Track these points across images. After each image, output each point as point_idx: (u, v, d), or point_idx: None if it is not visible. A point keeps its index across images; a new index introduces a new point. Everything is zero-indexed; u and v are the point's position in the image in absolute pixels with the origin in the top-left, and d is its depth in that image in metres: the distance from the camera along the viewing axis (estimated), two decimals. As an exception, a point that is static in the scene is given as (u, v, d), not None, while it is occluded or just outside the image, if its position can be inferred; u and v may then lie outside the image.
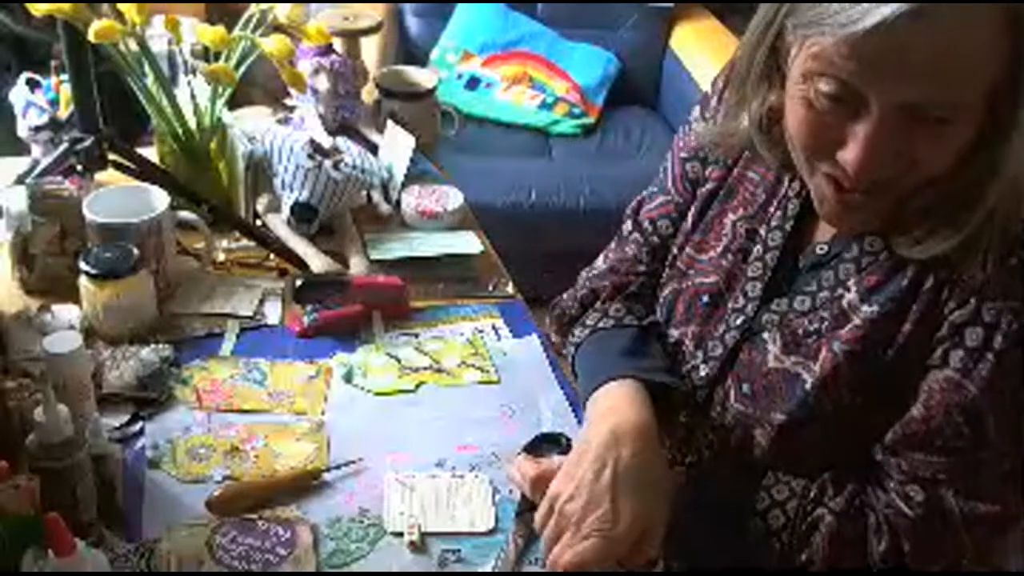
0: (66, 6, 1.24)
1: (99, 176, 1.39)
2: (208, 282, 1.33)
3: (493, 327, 1.30)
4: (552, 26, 3.08)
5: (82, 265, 1.16)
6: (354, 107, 1.64)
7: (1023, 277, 0.83)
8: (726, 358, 1.00)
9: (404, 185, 1.51)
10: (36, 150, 1.55)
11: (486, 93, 2.97)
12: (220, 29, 1.33)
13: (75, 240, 1.26)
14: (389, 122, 1.59)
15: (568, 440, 1.06)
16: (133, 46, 1.35)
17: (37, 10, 1.25)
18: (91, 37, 1.23)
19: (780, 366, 0.95)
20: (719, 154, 1.03)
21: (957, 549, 0.87)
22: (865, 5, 0.72)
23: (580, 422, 1.14)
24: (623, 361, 1.01)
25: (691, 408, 1.04)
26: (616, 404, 0.95)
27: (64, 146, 1.34)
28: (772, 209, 1.00)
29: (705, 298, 1.03)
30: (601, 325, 1.08)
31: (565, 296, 1.17)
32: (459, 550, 0.97)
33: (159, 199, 1.27)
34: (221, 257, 1.38)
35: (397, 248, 1.42)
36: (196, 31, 1.37)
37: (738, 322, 0.99)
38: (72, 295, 1.20)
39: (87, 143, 1.33)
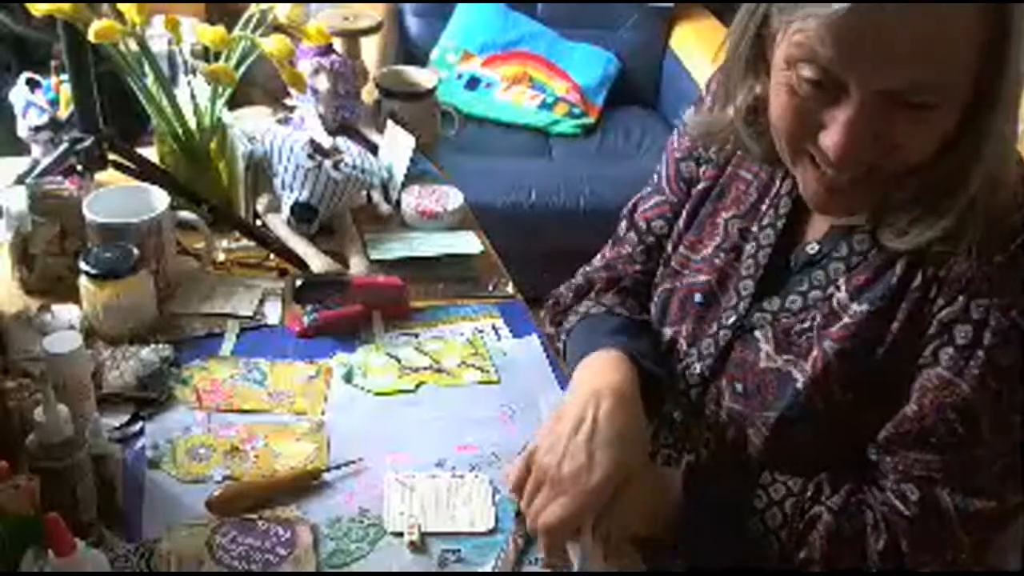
0: (66, 6, 1.24)
1: (99, 176, 1.39)
2: (208, 282, 1.33)
3: (493, 327, 1.30)
4: (552, 26, 3.08)
5: (82, 265, 1.16)
6: (354, 107, 1.64)
7: (1011, 273, 0.84)
8: (719, 356, 1.00)
9: (404, 185, 1.51)
10: (36, 150, 1.55)
11: (486, 93, 2.97)
12: (220, 29, 1.33)
13: (75, 240, 1.26)
14: (389, 122, 1.59)
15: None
16: (133, 46, 1.35)
17: (37, 10, 1.25)
18: (91, 37, 1.23)
19: (772, 365, 0.95)
20: (708, 143, 1.04)
21: (954, 547, 0.88)
22: None
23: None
24: (612, 339, 1.01)
25: (680, 404, 1.05)
26: (599, 368, 0.96)
27: (64, 146, 1.34)
28: (764, 208, 1.00)
29: (698, 297, 1.03)
30: (593, 311, 1.09)
31: (561, 287, 1.18)
32: (459, 550, 0.97)
33: (159, 199, 1.27)
34: (221, 257, 1.38)
35: (397, 248, 1.42)
36: (196, 31, 1.37)
37: (731, 321, 1.00)
38: (72, 295, 1.20)
39: (87, 143, 1.33)
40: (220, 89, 1.40)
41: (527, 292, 1.39)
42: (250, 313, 1.27)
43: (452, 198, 1.50)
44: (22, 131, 1.55)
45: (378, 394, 1.16)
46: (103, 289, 1.16)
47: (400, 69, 1.78)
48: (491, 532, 0.99)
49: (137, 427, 1.08)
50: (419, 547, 0.96)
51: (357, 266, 1.36)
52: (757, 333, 0.97)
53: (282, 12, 1.37)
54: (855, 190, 0.85)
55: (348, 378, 1.18)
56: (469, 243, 1.45)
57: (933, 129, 0.80)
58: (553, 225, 2.61)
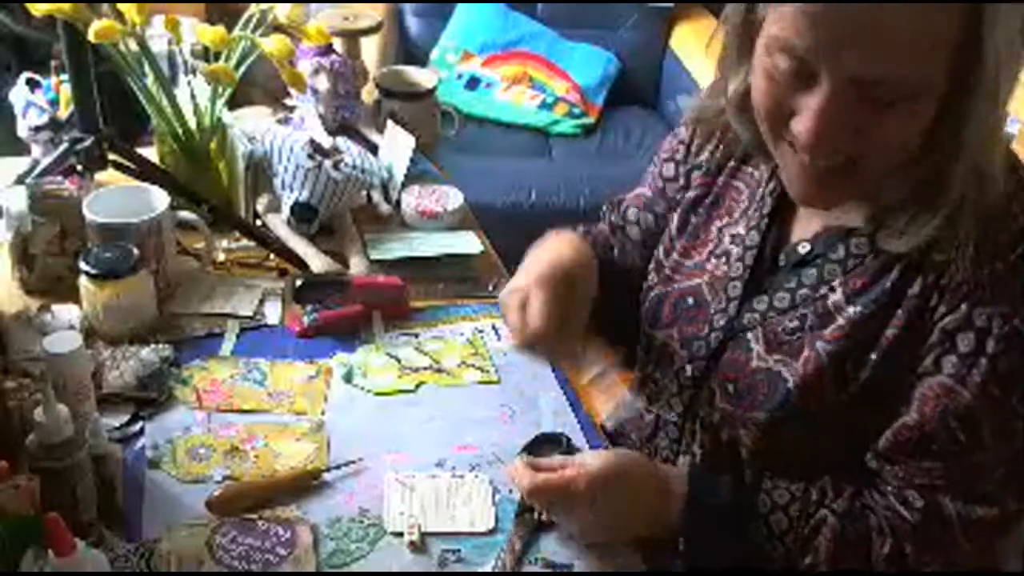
0: (66, 6, 1.24)
1: (99, 176, 1.39)
2: (208, 282, 1.33)
3: (493, 327, 1.30)
4: (552, 26, 3.08)
5: (82, 265, 1.16)
6: (354, 107, 1.64)
7: (1013, 281, 0.84)
8: (711, 358, 1.01)
9: (404, 185, 1.51)
10: (36, 150, 1.55)
11: (486, 93, 2.97)
12: (220, 29, 1.33)
13: (75, 240, 1.26)
14: (389, 122, 1.59)
15: (568, 440, 1.07)
16: (133, 46, 1.35)
17: (37, 10, 1.25)
18: (91, 37, 1.23)
19: (763, 365, 0.96)
20: (701, 127, 1.06)
21: (957, 553, 0.88)
22: None
23: (580, 422, 1.14)
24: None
25: (674, 406, 1.06)
26: (556, 240, 1.10)
27: (64, 146, 1.34)
28: (752, 211, 1.02)
29: (690, 300, 1.05)
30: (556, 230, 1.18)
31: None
32: (459, 550, 0.97)
33: (159, 199, 1.27)
34: (221, 257, 1.38)
35: (397, 248, 1.42)
36: (196, 31, 1.37)
37: (721, 323, 1.01)
38: (72, 295, 1.20)
39: (87, 143, 1.33)
40: (220, 89, 1.40)
41: (527, 292, 1.38)
42: (250, 313, 1.27)
43: (452, 198, 1.50)
44: (22, 131, 1.55)
45: (378, 394, 1.16)
46: (103, 289, 1.16)
47: (400, 69, 1.78)
48: (491, 532, 0.99)
49: (137, 427, 1.08)
50: (419, 547, 0.96)
51: (357, 266, 1.36)
52: (748, 334, 0.98)
53: (282, 12, 1.37)
54: (834, 181, 0.85)
55: (348, 378, 1.18)
56: (469, 243, 1.45)
57: (908, 125, 0.80)
58: (553, 225, 2.60)
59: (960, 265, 0.85)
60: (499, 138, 2.88)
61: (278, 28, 1.38)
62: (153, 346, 1.16)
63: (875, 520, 0.89)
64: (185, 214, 1.31)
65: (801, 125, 0.81)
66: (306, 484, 1.02)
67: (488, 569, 0.95)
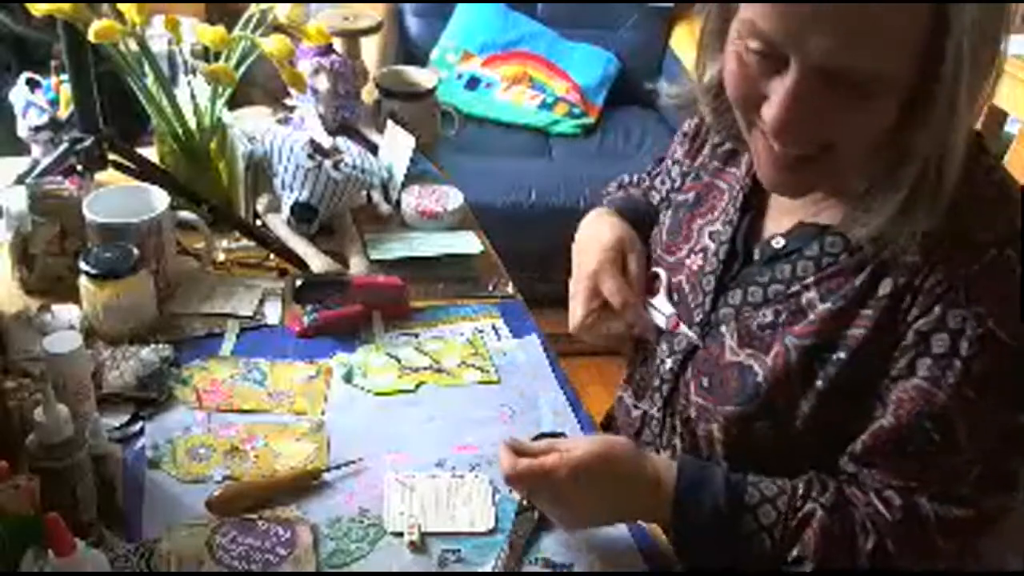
0: (66, 6, 1.24)
1: (99, 176, 1.39)
2: (208, 282, 1.33)
3: (493, 327, 1.30)
4: (552, 26, 3.08)
5: (82, 265, 1.16)
6: (354, 107, 1.64)
7: (987, 283, 0.84)
8: (688, 352, 1.02)
9: (404, 185, 1.51)
10: (36, 150, 1.55)
11: (486, 93, 2.97)
12: (220, 29, 1.33)
13: (75, 240, 1.26)
14: (389, 122, 1.59)
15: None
16: (133, 46, 1.35)
17: (37, 10, 1.25)
18: (91, 37, 1.23)
19: (735, 359, 0.97)
20: (684, 107, 1.08)
21: (935, 553, 0.88)
22: None
23: (580, 422, 1.15)
24: (608, 204, 1.22)
25: (655, 401, 1.07)
26: (586, 220, 1.18)
27: (64, 146, 1.34)
28: (728, 206, 1.04)
29: (673, 296, 1.06)
30: (615, 194, 1.28)
31: (612, 182, 1.34)
32: (459, 550, 0.97)
33: (159, 199, 1.27)
34: (221, 257, 1.38)
35: (397, 248, 1.42)
36: (196, 31, 1.37)
37: (698, 317, 1.02)
38: (72, 295, 1.20)
39: (87, 143, 1.33)
40: (220, 89, 1.40)
41: (527, 292, 1.39)
42: (250, 313, 1.27)
43: (452, 198, 1.50)
44: (22, 131, 1.55)
45: (378, 394, 1.16)
46: (103, 289, 1.16)
47: (400, 69, 1.78)
48: (491, 532, 0.99)
49: (137, 427, 1.08)
50: (419, 547, 0.96)
51: (357, 266, 1.36)
52: (722, 328, 0.99)
53: (282, 12, 1.37)
54: (802, 169, 0.86)
55: (348, 378, 1.18)
56: (469, 243, 1.45)
57: (872, 116, 0.80)
58: (553, 225, 2.60)
59: (934, 267, 0.85)
60: (499, 138, 2.88)
61: (278, 28, 1.38)
62: (153, 346, 1.16)
63: (858, 516, 0.89)
64: (185, 214, 1.31)
65: (769, 111, 0.82)
66: (306, 484, 1.02)
67: (488, 569, 0.95)
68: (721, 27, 0.89)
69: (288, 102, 1.67)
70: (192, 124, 1.43)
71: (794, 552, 0.88)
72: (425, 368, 1.21)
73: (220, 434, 1.08)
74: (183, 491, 1.01)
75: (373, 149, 1.57)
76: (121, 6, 1.28)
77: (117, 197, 1.27)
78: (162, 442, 1.06)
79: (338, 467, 1.04)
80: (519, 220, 2.57)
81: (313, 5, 2.08)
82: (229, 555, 0.93)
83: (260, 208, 1.43)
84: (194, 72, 1.45)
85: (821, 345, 0.91)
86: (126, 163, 1.36)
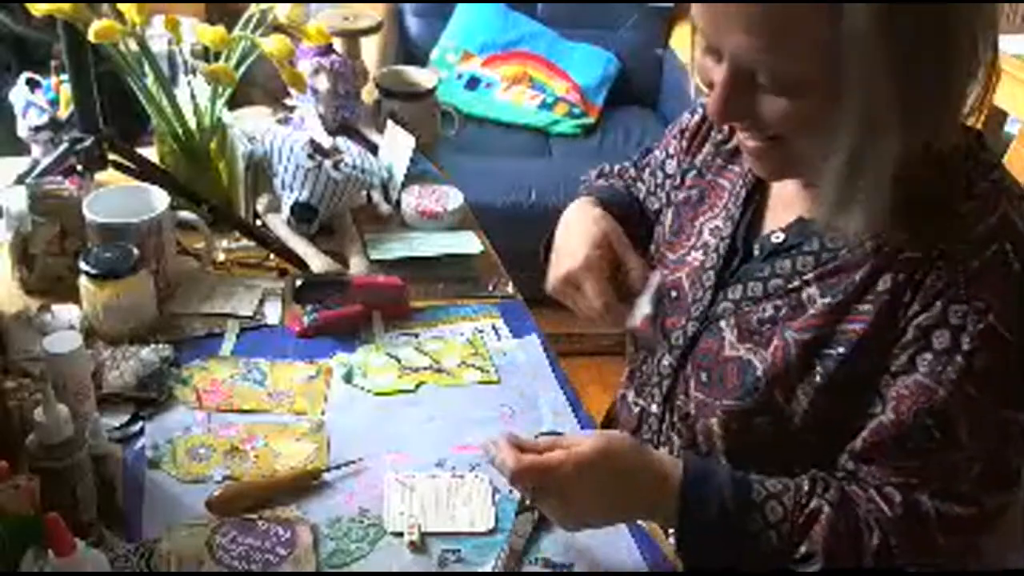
0: (66, 6, 1.24)
1: (99, 176, 1.39)
2: (208, 282, 1.33)
3: (493, 327, 1.30)
4: (552, 26, 3.08)
5: (82, 265, 1.16)
6: (354, 107, 1.64)
7: (988, 278, 0.84)
8: (687, 347, 1.03)
9: (404, 185, 1.51)
10: (36, 150, 1.55)
11: (486, 93, 2.97)
12: (220, 29, 1.33)
13: (75, 240, 1.26)
14: (389, 122, 1.60)
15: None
16: (133, 46, 1.35)
17: (37, 10, 1.25)
18: (91, 37, 1.23)
19: (735, 354, 0.97)
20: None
21: (936, 550, 0.87)
22: None
23: (580, 422, 1.15)
24: (591, 193, 1.22)
25: (654, 396, 1.07)
26: (569, 209, 1.18)
27: (64, 146, 1.34)
28: (730, 203, 1.04)
29: (673, 293, 1.07)
30: (596, 184, 1.31)
31: (591, 170, 1.38)
32: (459, 550, 0.97)
33: (159, 199, 1.27)
34: (221, 257, 1.38)
35: (397, 248, 1.42)
36: (196, 31, 1.37)
37: (697, 312, 1.03)
38: (72, 295, 1.20)
39: (87, 143, 1.33)
40: (220, 89, 1.40)
41: (527, 292, 1.39)
42: (250, 313, 1.28)
43: (452, 198, 1.50)
44: (22, 131, 1.55)
45: (378, 394, 1.16)
46: (103, 289, 1.16)
47: (400, 69, 1.78)
48: (491, 532, 0.99)
49: (137, 427, 1.08)
50: (419, 547, 0.96)
51: (357, 266, 1.36)
52: (722, 322, 0.99)
53: (282, 12, 1.37)
54: (765, 157, 0.90)
55: (348, 378, 1.18)
56: (469, 243, 1.45)
57: (799, 111, 0.82)
58: (553, 225, 2.60)
59: (935, 263, 0.85)
60: (499, 138, 2.88)
61: (278, 28, 1.38)
62: (153, 346, 1.16)
63: (861, 513, 0.89)
64: (185, 214, 1.31)
65: (708, 99, 0.86)
66: (306, 484, 1.02)
67: (488, 569, 0.95)
68: None
69: (288, 102, 1.67)
70: (192, 124, 1.43)
71: (802, 550, 0.88)
72: (425, 368, 1.21)
73: (220, 434, 1.08)
74: (183, 491, 1.01)
75: (373, 149, 1.57)
76: (121, 6, 1.28)
77: (117, 197, 1.27)
78: (162, 442, 1.06)
79: (338, 467, 1.04)
80: (519, 220, 2.56)
81: (313, 5, 2.08)
82: (229, 555, 0.94)
83: (260, 208, 1.43)
84: (194, 72, 1.45)
85: (821, 340, 0.91)
86: (126, 163, 1.35)
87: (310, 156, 1.38)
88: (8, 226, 1.25)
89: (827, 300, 0.91)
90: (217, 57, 1.38)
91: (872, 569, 0.88)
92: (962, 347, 0.84)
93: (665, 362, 1.05)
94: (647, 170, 1.24)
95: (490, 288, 1.38)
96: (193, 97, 1.42)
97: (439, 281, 1.38)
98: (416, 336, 1.27)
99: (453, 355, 1.23)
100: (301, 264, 1.36)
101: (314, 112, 1.61)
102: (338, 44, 1.74)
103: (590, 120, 2.97)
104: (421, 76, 1.75)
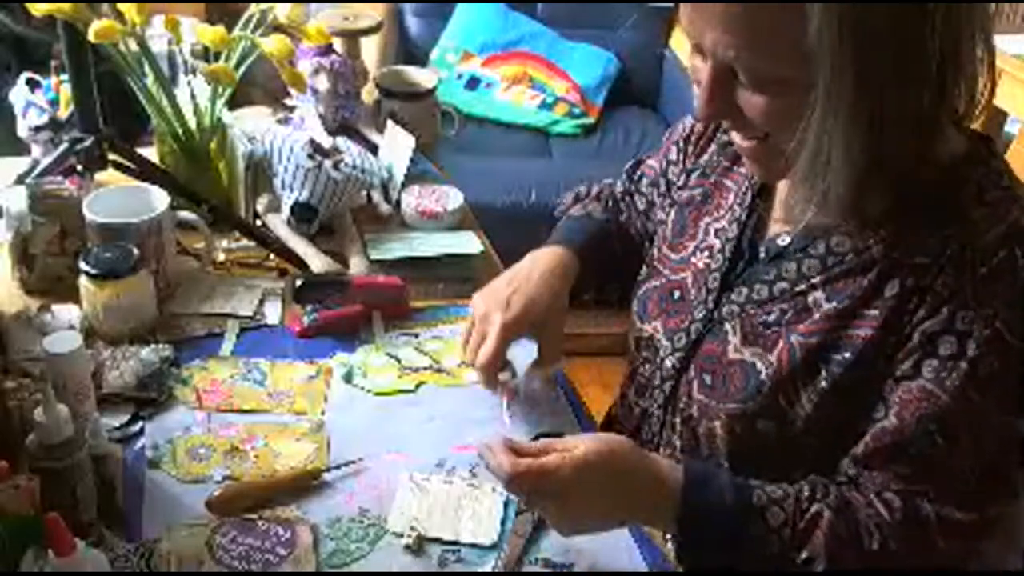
0: (66, 6, 1.24)
1: (99, 176, 1.39)
2: (208, 282, 1.33)
3: (493, 327, 1.30)
4: (552, 26, 3.08)
5: (82, 265, 1.16)
6: (354, 107, 1.64)
7: (995, 285, 0.84)
8: (690, 349, 1.02)
9: (404, 185, 1.51)
10: (36, 150, 1.55)
11: (486, 93, 2.97)
12: (220, 29, 1.33)
13: (75, 240, 1.26)
14: (389, 122, 1.60)
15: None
16: (133, 46, 1.35)
17: (37, 10, 1.25)
18: (91, 37, 1.23)
19: (739, 357, 0.97)
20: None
21: (936, 555, 0.87)
22: None
23: (580, 422, 1.14)
24: (568, 235, 1.20)
25: (656, 398, 1.07)
26: (543, 253, 1.16)
27: (64, 146, 1.34)
28: (735, 204, 1.04)
29: (676, 293, 1.07)
30: (574, 213, 1.27)
31: (568, 194, 1.35)
32: (459, 550, 0.97)
33: (159, 199, 1.27)
34: (221, 257, 1.38)
35: (397, 248, 1.42)
36: (196, 31, 1.37)
37: (701, 315, 1.02)
38: (72, 295, 1.20)
39: (87, 143, 1.33)
40: (220, 89, 1.40)
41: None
42: (250, 313, 1.27)
43: (452, 198, 1.50)
44: (22, 131, 1.55)
45: (378, 394, 1.16)
46: (103, 289, 1.16)
47: (400, 69, 1.78)
48: (492, 547, 0.97)
49: (137, 427, 1.08)
50: (416, 549, 0.96)
51: (357, 266, 1.36)
52: (726, 325, 0.99)
53: (282, 12, 1.37)
54: (761, 156, 0.90)
55: (348, 378, 1.18)
56: (469, 243, 1.45)
57: (782, 109, 0.82)
58: (553, 225, 2.61)
59: (943, 269, 0.85)
60: (499, 138, 2.88)
61: (278, 28, 1.38)
62: (153, 346, 1.16)
63: (862, 517, 0.89)
64: (185, 214, 1.31)
65: (696, 97, 0.87)
66: (306, 484, 1.02)
67: (488, 569, 0.95)
68: None
69: (288, 102, 1.67)
70: (192, 124, 1.43)
71: (803, 555, 0.88)
72: (425, 368, 1.21)
73: (220, 434, 1.08)
74: (183, 491, 1.01)
75: (373, 149, 1.57)
76: (121, 6, 1.28)
77: (117, 197, 1.27)
78: (162, 442, 1.06)
79: (338, 467, 1.04)
80: (519, 220, 2.56)
81: (313, 5, 2.08)
82: (229, 555, 0.94)
83: (260, 208, 1.43)
84: (194, 72, 1.45)
85: (826, 345, 0.90)
86: (126, 163, 1.35)
87: (310, 156, 1.38)
88: (8, 226, 1.25)
89: (833, 305, 0.91)
90: (217, 57, 1.38)
91: (873, 572, 0.88)
92: (967, 353, 0.84)
93: (667, 364, 1.05)
94: (644, 180, 1.23)
95: (490, 288, 1.38)
96: (193, 97, 1.42)
97: (439, 281, 1.38)
98: (416, 336, 1.27)
99: (453, 355, 1.23)
100: (301, 264, 1.36)
101: (314, 112, 1.61)
102: (338, 44, 1.74)
103: (590, 120, 2.97)
104: (421, 76, 1.75)
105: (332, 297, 1.28)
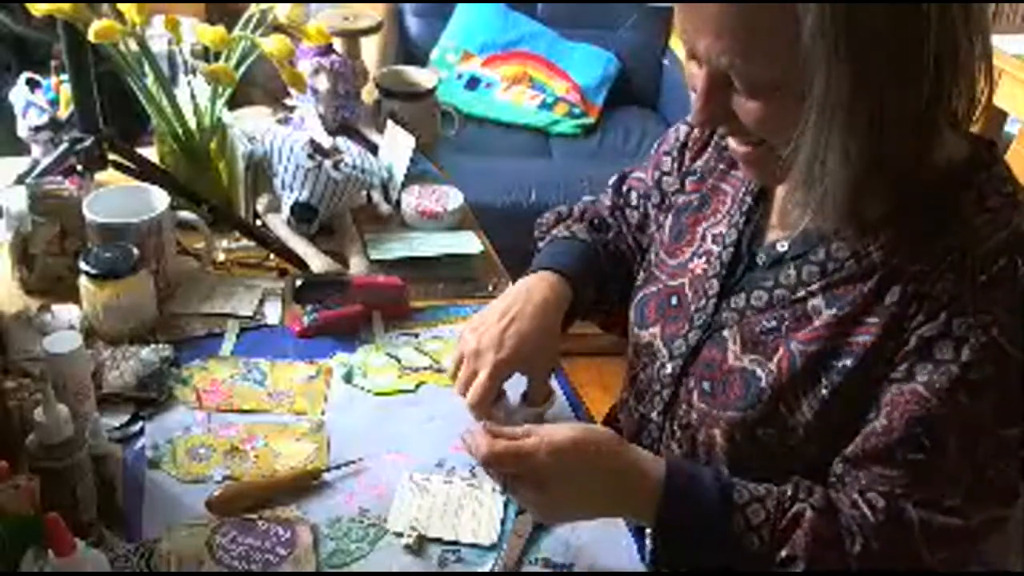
0: (66, 6, 1.24)
1: (99, 176, 1.39)
2: (208, 282, 1.33)
3: (493, 327, 1.29)
4: (552, 26, 3.08)
5: (82, 265, 1.16)
6: (354, 107, 1.64)
7: (994, 292, 0.84)
8: (689, 356, 1.01)
9: (404, 185, 1.51)
10: (36, 150, 1.55)
11: (486, 93, 2.97)
12: (220, 29, 1.33)
13: (75, 240, 1.26)
14: (389, 122, 1.60)
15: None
16: (133, 46, 1.35)
17: (37, 10, 1.25)
18: (91, 37, 1.24)
19: (739, 364, 0.96)
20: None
21: (918, 560, 0.86)
22: None
23: (580, 422, 1.14)
24: (557, 259, 1.14)
25: (655, 404, 1.06)
26: (535, 281, 1.10)
27: (64, 146, 1.35)
28: (733, 210, 1.03)
29: (674, 299, 1.06)
30: (560, 235, 1.20)
31: (548, 212, 1.29)
32: (459, 550, 0.97)
33: (159, 199, 1.28)
34: (221, 257, 1.38)
35: (397, 248, 1.42)
36: (196, 31, 1.37)
37: (700, 321, 1.01)
38: (72, 295, 1.20)
39: (87, 143, 1.33)
40: (220, 89, 1.40)
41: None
42: (250, 313, 1.28)
43: (452, 198, 1.50)
44: (22, 131, 1.55)
45: (378, 394, 1.16)
46: (103, 289, 1.16)
47: (400, 69, 1.78)
48: (492, 547, 0.97)
49: (137, 427, 1.08)
50: (415, 549, 0.96)
51: (357, 266, 1.36)
52: (725, 332, 0.98)
53: (282, 12, 1.37)
54: (756, 162, 0.90)
55: (348, 378, 1.18)
56: (469, 243, 1.45)
57: (777, 114, 0.82)
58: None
59: (943, 275, 0.85)
60: (499, 138, 2.88)
61: (278, 28, 1.38)
62: (153, 346, 1.16)
63: (844, 518, 0.88)
64: (185, 214, 1.31)
65: (693, 103, 0.86)
66: (306, 484, 1.02)
67: (488, 569, 0.95)
68: None
69: (288, 102, 1.67)
70: (192, 124, 1.43)
71: (783, 553, 0.88)
72: (425, 368, 1.21)
73: (220, 434, 1.08)
74: (183, 491, 1.01)
75: (373, 149, 1.57)
76: (121, 6, 1.28)
77: (117, 197, 1.27)
78: (162, 442, 1.06)
79: (338, 467, 1.04)
80: (519, 220, 2.54)
81: (313, 5, 2.08)
82: (229, 555, 0.94)
83: (260, 208, 1.43)
84: (194, 72, 1.45)
85: (827, 352, 0.90)
86: (126, 163, 1.36)
87: (310, 156, 1.38)
88: (8, 226, 1.25)
89: (833, 312, 0.90)
90: (217, 57, 1.38)
91: (856, 572, 0.87)
92: (962, 359, 0.83)
93: (666, 370, 1.04)
94: (633, 194, 1.21)
95: (490, 288, 1.38)
96: (193, 97, 1.42)
97: (439, 281, 1.38)
98: (416, 336, 1.27)
99: (453, 355, 1.23)
100: (301, 264, 1.36)
101: (314, 112, 1.61)
102: (338, 44, 1.74)
103: (590, 120, 2.97)
104: (421, 76, 1.75)
105: (332, 297, 1.28)
